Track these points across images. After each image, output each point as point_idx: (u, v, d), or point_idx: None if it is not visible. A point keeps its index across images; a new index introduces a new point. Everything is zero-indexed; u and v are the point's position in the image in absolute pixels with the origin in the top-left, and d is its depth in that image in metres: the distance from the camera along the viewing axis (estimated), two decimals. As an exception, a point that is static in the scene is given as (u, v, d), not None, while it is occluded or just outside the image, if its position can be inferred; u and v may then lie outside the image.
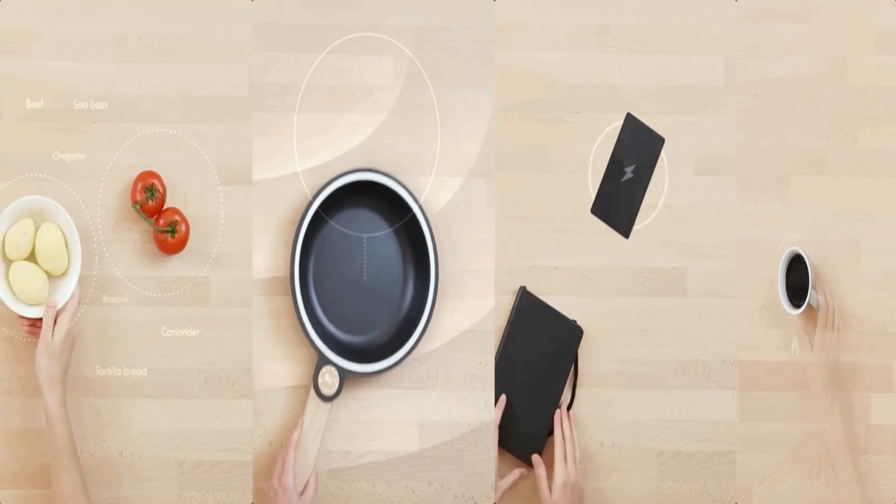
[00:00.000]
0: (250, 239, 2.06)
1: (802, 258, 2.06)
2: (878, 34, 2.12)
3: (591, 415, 2.10)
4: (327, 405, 2.03)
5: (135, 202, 2.01)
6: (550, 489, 2.03)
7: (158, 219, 2.01)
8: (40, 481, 2.02)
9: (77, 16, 2.05)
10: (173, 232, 2.01)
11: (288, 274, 2.03)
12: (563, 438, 2.06)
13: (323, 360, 2.02)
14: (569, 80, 2.11)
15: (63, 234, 1.99)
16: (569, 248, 2.11)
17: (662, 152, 2.11)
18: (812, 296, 2.05)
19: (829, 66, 2.12)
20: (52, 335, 1.93)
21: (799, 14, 2.12)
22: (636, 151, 2.11)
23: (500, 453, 2.08)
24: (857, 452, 2.09)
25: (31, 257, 1.99)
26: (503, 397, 2.07)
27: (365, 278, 2.08)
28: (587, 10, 2.11)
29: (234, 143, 2.06)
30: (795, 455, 2.10)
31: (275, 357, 2.06)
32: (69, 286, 1.98)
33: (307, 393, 2.05)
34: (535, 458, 2.07)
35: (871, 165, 2.11)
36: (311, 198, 2.04)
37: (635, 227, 2.11)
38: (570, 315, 2.10)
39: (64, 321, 1.94)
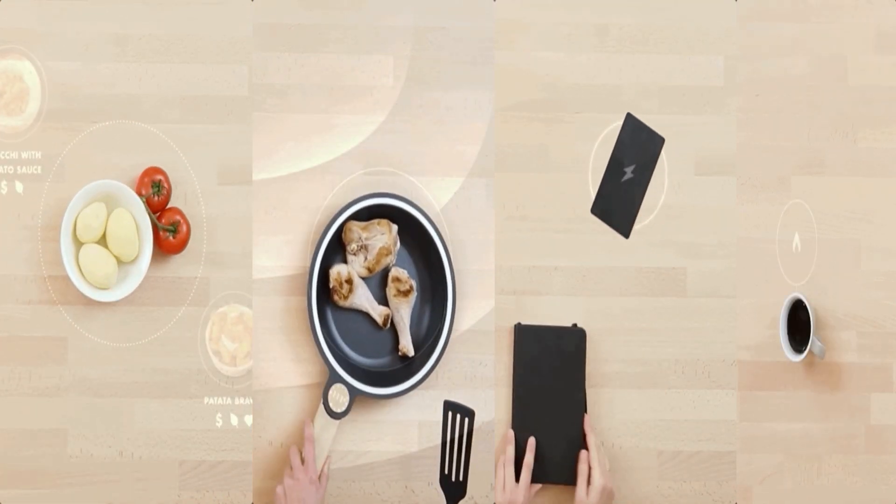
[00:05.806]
0: (250, 239, 2.06)
1: (804, 304, 2.05)
2: (878, 34, 2.12)
3: (591, 415, 2.10)
4: (336, 422, 2.03)
5: (141, 195, 2.00)
6: (588, 491, 2.03)
7: (161, 217, 2.01)
8: (44, 481, 2.02)
9: (77, 16, 2.04)
10: (175, 232, 2.01)
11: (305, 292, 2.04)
12: (594, 445, 2.06)
13: (334, 378, 2.02)
14: (569, 80, 2.11)
15: (135, 220, 1.99)
16: (569, 248, 2.11)
17: (662, 152, 2.12)
18: (814, 342, 2.04)
19: (829, 66, 2.12)
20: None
21: (799, 14, 2.12)
22: (636, 151, 2.11)
23: (542, 487, 2.08)
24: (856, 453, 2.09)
25: (102, 241, 1.99)
26: (510, 433, 2.07)
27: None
28: (587, 10, 2.11)
29: (234, 143, 2.06)
30: (795, 455, 2.10)
31: (275, 358, 2.06)
32: (139, 274, 1.98)
33: (308, 393, 2.05)
34: (582, 453, 2.06)
35: (871, 165, 2.11)
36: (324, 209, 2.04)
37: (635, 227, 2.11)
38: (571, 316, 2.10)
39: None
